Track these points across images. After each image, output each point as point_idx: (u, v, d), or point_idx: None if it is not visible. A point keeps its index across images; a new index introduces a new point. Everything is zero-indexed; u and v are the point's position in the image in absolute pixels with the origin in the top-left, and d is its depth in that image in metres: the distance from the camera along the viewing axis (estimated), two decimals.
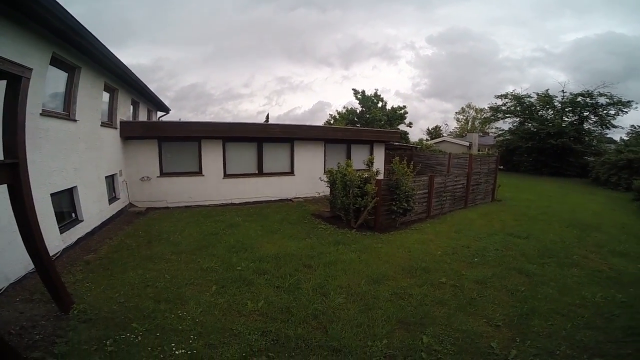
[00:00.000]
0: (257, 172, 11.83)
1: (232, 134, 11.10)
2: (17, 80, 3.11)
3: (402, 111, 34.00)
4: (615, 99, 23.75)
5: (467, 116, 57.57)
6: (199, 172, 11.07)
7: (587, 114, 25.27)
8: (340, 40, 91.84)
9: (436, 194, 9.86)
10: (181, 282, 4.77)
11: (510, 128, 28.72)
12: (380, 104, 34.15)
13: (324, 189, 10.04)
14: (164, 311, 3.94)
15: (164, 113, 18.27)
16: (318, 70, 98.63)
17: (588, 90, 24.45)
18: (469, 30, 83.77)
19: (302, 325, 3.75)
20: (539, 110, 27.00)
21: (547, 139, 23.96)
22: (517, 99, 27.57)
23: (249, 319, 3.85)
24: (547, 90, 26.56)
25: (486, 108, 33.71)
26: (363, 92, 34.04)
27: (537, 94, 26.83)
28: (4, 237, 4.17)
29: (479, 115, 53.57)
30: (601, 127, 25.33)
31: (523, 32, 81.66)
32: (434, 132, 53.53)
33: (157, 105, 16.45)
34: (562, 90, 25.67)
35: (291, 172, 12.40)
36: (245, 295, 4.43)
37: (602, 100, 24.15)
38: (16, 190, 3.19)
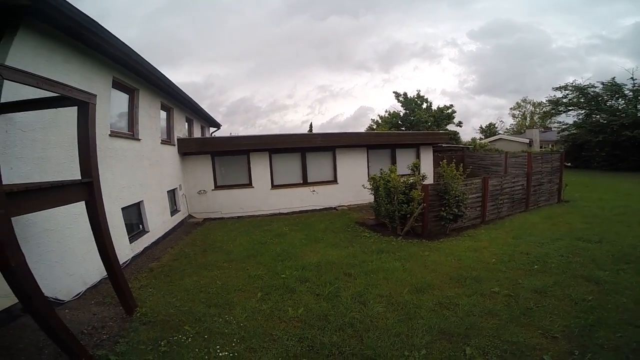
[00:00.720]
0: (302, 181, 12.12)
1: (276, 146, 11.55)
2: (85, 106, 3.55)
3: (450, 110, 32.56)
4: None
5: (524, 111, 53.31)
6: (249, 184, 11.70)
7: None
8: (377, 44, 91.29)
9: (491, 197, 9.20)
10: (230, 289, 5.02)
11: (575, 121, 25.91)
12: (424, 105, 33.11)
13: (368, 197, 9.96)
14: (213, 315, 4.20)
15: (215, 129, 19.58)
16: (357, 75, 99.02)
17: None
18: (513, 21, 78.02)
19: (337, 333, 3.74)
20: (607, 101, 24.07)
21: (621, 131, 21.16)
22: (579, 89, 24.98)
23: (289, 325, 3.95)
24: (613, 78, 23.69)
25: (544, 101, 30.85)
26: (405, 94, 33.34)
27: (603, 83, 24.05)
28: (84, 247, 4.78)
29: (537, 109, 49.23)
30: None
31: (573, 19, 73.85)
32: (488, 130, 50.18)
33: (209, 121, 17.71)
34: (632, 77, 22.61)
35: (334, 181, 12.49)
36: (287, 302, 4.54)
37: None
38: (91, 206, 3.66)
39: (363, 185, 9.45)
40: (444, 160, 8.08)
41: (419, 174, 8.01)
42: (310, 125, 49.23)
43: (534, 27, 74.48)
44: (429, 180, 12.45)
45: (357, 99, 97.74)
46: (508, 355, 3.26)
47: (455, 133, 31.69)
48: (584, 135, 23.95)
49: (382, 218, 8.61)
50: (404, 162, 12.44)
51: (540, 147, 29.81)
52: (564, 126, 27.80)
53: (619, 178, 18.21)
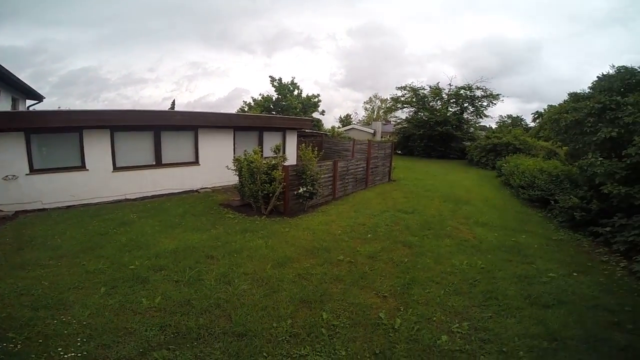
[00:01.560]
0: (154, 163, 10.94)
1: (122, 123, 9.94)
2: None
3: (316, 99, 35.03)
4: (488, 92, 28.73)
5: (374, 106, 62.39)
6: (81, 167, 9.60)
7: (466, 105, 29.95)
8: (266, 28, 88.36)
9: (340, 177, 10.70)
10: (62, 288, 4.39)
11: (406, 117, 32.17)
12: (296, 92, 34.55)
13: (234, 178, 9.89)
14: (45, 318, 3.64)
15: (35, 102, 15.27)
16: (237, 56, 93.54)
17: (469, 84, 28.98)
18: (383, 25, 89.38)
19: (204, 316, 3.80)
20: (430, 101, 30.88)
21: (435, 127, 27.68)
22: (414, 90, 30.92)
23: (145, 316, 3.78)
24: (437, 83, 30.51)
25: (388, 98, 37.01)
26: (280, 79, 33.82)
27: (430, 87, 30.66)
28: None
29: (383, 105, 58.57)
30: (477, 116, 30.37)
31: (431, 28, 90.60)
32: (345, 120, 56.59)
33: (26, 92, 13.69)
34: (450, 84, 29.85)
35: (196, 162, 11.83)
36: (140, 293, 4.29)
37: (478, 93, 28.99)
38: None
39: (227, 166, 9.37)
40: (303, 145, 8.86)
41: (281, 155, 8.52)
42: (173, 103, 44.05)
43: (397, 32, 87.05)
44: (292, 161, 13.38)
45: (233, 80, 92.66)
46: (355, 315, 4.03)
47: (319, 121, 34.46)
48: (411, 129, 30.11)
49: (247, 199, 8.80)
50: (271, 145, 12.79)
51: (381, 137, 35.82)
52: (398, 120, 34.15)
53: (430, 163, 23.98)
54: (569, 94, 10.35)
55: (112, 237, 6.51)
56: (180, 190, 11.26)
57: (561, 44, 71.30)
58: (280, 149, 8.57)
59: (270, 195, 8.31)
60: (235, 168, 9.07)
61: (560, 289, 4.89)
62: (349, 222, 7.86)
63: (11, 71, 10.00)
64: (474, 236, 7.25)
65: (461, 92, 29.13)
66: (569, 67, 71.24)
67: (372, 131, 36.81)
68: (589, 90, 9.50)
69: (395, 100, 32.71)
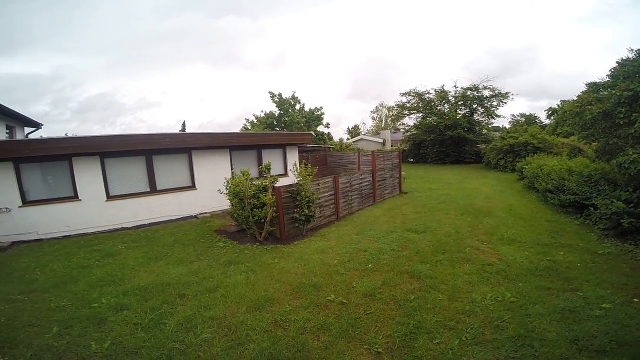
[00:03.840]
0: (149, 189, 10.36)
1: (110, 149, 9.48)
2: None
3: (319, 112, 34.59)
4: (496, 92, 27.45)
5: (381, 114, 61.57)
6: (74, 197, 9.27)
7: (475, 106, 28.73)
8: (270, 46, 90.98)
9: (342, 194, 9.75)
10: (17, 325, 4.18)
11: (415, 123, 31.13)
12: (297, 106, 34.23)
13: None
14: None
15: (33, 129, 15.20)
16: (245, 76, 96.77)
17: (475, 85, 27.84)
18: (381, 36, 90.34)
19: None
20: (437, 105, 29.83)
21: (445, 131, 26.52)
22: (419, 95, 30.04)
23: None
24: (442, 86, 29.55)
25: (393, 105, 36.13)
26: (280, 94, 33.67)
27: (435, 90, 29.63)
28: None
29: (390, 113, 57.67)
30: (487, 117, 29.02)
31: (429, 34, 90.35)
32: (354, 131, 55.93)
33: (22, 120, 13.60)
34: (455, 86, 28.84)
35: (192, 186, 11.18)
36: (91, 335, 3.89)
37: (486, 93, 27.77)
38: None
39: (219, 191, 8.63)
40: (303, 161, 8.04)
41: (271, 176, 7.69)
42: (183, 125, 44.73)
43: (397, 40, 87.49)
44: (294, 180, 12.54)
45: (243, 99, 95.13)
46: None
47: (322, 134, 33.91)
48: (421, 135, 29.00)
49: (242, 224, 8.04)
50: (272, 162, 12.17)
51: (392, 146, 34.80)
52: (407, 127, 33.13)
53: (445, 170, 22.70)
54: (587, 84, 9.11)
55: (91, 270, 6.14)
56: (178, 217, 10.65)
57: (559, 39, 69.47)
58: (269, 168, 7.72)
59: (262, 220, 7.45)
60: (227, 192, 8.32)
61: (619, 325, 3.72)
62: (349, 247, 6.82)
63: (27, 98, 9.86)
64: (499, 258, 6.03)
65: (468, 93, 28.02)
66: (570, 62, 68.91)
67: (381, 140, 35.89)
68: (607, 79, 8.30)
69: (401, 106, 31.86)
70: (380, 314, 4.26)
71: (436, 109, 29.51)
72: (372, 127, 60.46)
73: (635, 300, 4.32)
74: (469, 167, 23.89)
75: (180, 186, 10.97)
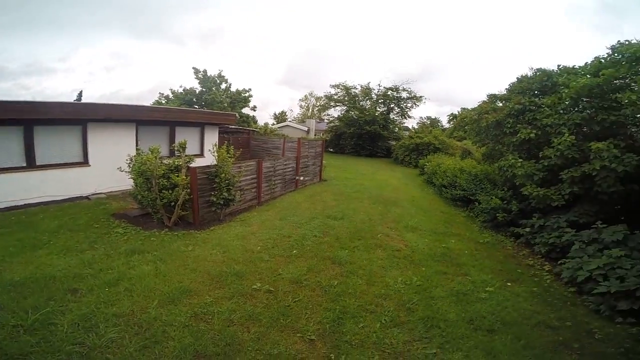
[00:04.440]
0: (25, 164, 8.40)
1: None
2: None
3: (247, 94, 33.07)
4: (412, 94, 30.15)
5: (309, 103, 62.00)
6: None
7: (392, 105, 31.12)
8: (204, 22, 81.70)
9: (266, 178, 9.53)
10: None
11: (339, 115, 32.26)
12: (224, 85, 32.14)
13: None
14: None
15: None
16: (168, 49, 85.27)
17: (396, 86, 30.08)
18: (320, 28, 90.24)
19: None
20: (361, 101, 31.41)
21: (364, 126, 28.19)
22: (347, 89, 31.11)
23: None
24: (368, 83, 31.18)
25: (322, 96, 36.71)
26: (205, 71, 31.21)
27: (361, 86, 31.12)
28: None
29: (318, 103, 58.52)
30: (401, 117, 31.82)
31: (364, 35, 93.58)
32: (280, 117, 55.13)
33: None
34: (379, 84, 30.73)
35: (84, 162, 9.48)
36: None
37: (404, 94, 30.25)
38: None
39: (119, 168, 7.50)
40: (225, 143, 7.49)
41: (186, 155, 7.01)
42: (80, 94, 37.59)
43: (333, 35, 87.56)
44: (213, 162, 11.75)
45: (160, 74, 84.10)
46: None
47: (249, 117, 32.64)
48: (342, 127, 30.23)
49: (147, 207, 7.12)
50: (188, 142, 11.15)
51: (315, 135, 35.46)
52: (331, 119, 34.13)
53: (360, 161, 24.17)
54: (487, 95, 10.59)
55: None
56: (65, 197, 8.87)
57: (466, 55, 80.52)
58: (184, 147, 7.01)
59: (173, 203, 6.77)
60: (130, 170, 7.28)
61: (501, 306, 4.51)
62: (273, 233, 6.73)
63: None
64: (405, 244, 6.73)
65: (389, 93, 30.15)
66: (472, 75, 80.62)
67: (306, 129, 36.18)
68: (506, 92, 9.80)
69: (329, 98, 32.56)
70: (309, 301, 4.31)
71: (359, 104, 30.99)
72: (299, 115, 60.48)
73: (508, 284, 5.29)
74: (380, 161, 25.87)
75: (68, 162, 9.18)
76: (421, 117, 47.37)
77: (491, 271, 5.75)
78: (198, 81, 31.10)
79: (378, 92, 30.56)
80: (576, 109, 7.11)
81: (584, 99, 6.84)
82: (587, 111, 6.81)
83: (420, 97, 30.25)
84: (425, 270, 5.51)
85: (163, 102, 31.58)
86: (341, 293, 4.55)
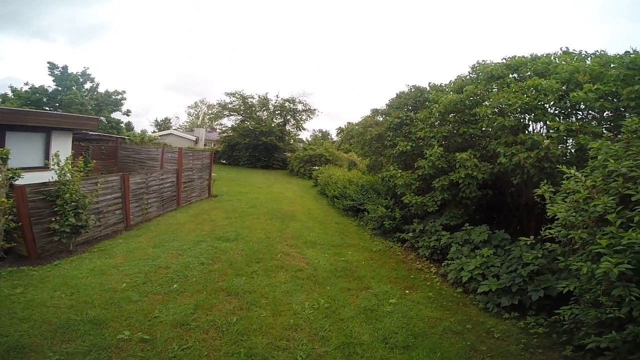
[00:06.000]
0: None
1: None
2: None
3: (119, 96, 28.42)
4: (307, 107, 31.02)
5: (199, 111, 57.61)
6: None
7: (289, 117, 31.46)
8: (79, 15, 66.34)
9: (135, 197, 7.85)
10: None
11: (232, 125, 30.77)
12: (88, 85, 26.83)
13: None
14: None
15: None
16: (28, 44, 66.32)
17: (292, 98, 30.46)
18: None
19: None
20: (257, 111, 30.71)
21: (260, 137, 27.55)
22: (243, 98, 29.96)
23: None
24: (266, 93, 30.73)
25: (215, 104, 34.59)
26: (65, 67, 25.49)
27: (259, 96, 30.43)
28: None
29: (209, 111, 54.86)
30: (297, 129, 32.41)
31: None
32: (163, 125, 49.45)
33: None
34: (277, 95, 30.62)
35: None
36: None
37: (299, 107, 30.85)
38: None
39: None
40: (82, 153, 5.71)
41: (7, 170, 5.07)
42: None
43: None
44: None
45: (11, 69, 64.79)
46: None
47: (120, 122, 28.13)
48: (237, 138, 28.88)
49: None
50: (25, 151, 8.62)
51: (205, 145, 32.90)
52: (224, 128, 32.29)
53: (255, 174, 23.35)
54: (371, 110, 11.34)
55: None
56: None
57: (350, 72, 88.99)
58: (5, 158, 5.04)
59: None
60: None
61: (407, 318, 4.47)
62: (143, 265, 5.35)
63: None
64: (307, 262, 6.32)
65: (285, 104, 30.40)
66: (360, 90, 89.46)
67: (194, 138, 33.22)
68: (386, 107, 10.66)
69: (223, 106, 30.77)
70: (202, 347, 3.41)
71: (256, 114, 30.23)
72: (186, 123, 55.37)
73: (407, 292, 5.39)
74: (276, 173, 25.59)
75: None
76: (314, 130, 49.60)
77: (389, 280, 5.82)
78: (53, 78, 25.27)
79: (275, 102, 30.50)
80: (443, 123, 8.10)
81: (450, 114, 7.85)
82: (451, 125, 7.83)
83: (314, 109, 31.48)
84: (330, 290, 5.19)
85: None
86: (243, 331, 3.79)
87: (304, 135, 37.44)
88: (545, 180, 4.20)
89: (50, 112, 14.01)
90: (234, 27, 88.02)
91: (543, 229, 3.72)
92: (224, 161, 29.10)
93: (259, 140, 27.59)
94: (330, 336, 3.90)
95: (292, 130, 32.36)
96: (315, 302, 4.69)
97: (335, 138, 41.66)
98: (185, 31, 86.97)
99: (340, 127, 12.79)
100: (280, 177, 22.88)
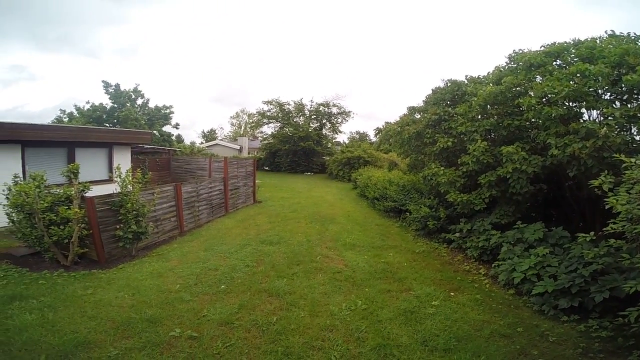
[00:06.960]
0: None
1: None
2: None
3: (168, 111, 30.78)
4: (342, 109, 31.17)
5: (240, 121, 60.39)
6: None
7: (324, 121, 31.81)
8: (122, 34, 74.55)
9: (188, 204, 8.45)
10: None
11: (272, 132, 31.82)
12: (140, 101, 29.41)
13: None
14: None
15: None
16: (80, 62, 75.93)
17: (327, 102, 30.82)
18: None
19: None
20: (294, 117, 31.48)
21: (299, 142, 28.18)
22: (280, 105, 30.94)
23: None
24: (301, 99, 31.43)
25: (254, 113, 36.02)
26: (117, 85, 28.21)
27: (295, 102, 31.24)
28: None
29: (250, 120, 57.29)
30: (333, 132, 32.64)
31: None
32: (209, 136, 52.53)
33: None
34: (311, 100, 31.20)
35: None
36: None
37: (334, 110, 31.12)
38: None
39: None
40: (139, 166, 6.36)
41: (79, 183, 5.76)
42: None
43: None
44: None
45: (70, 89, 74.57)
46: None
47: (172, 135, 30.36)
48: (277, 144, 29.79)
49: (34, 246, 5.76)
50: (88, 165, 9.52)
51: (248, 153, 34.35)
52: (265, 136, 33.47)
53: (296, 178, 23.85)
54: (407, 108, 11.06)
55: None
56: None
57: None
58: (76, 172, 5.75)
59: (66, 241, 5.48)
60: (8, 204, 5.77)
61: (450, 320, 4.29)
62: (196, 268, 5.78)
63: None
64: (345, 264, 6.33)
65: (320, 108, 30.79)
66: (395, 89, 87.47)
67: (238, 147, 34.83)
68: (423, 104, 10.33)
69: (262, 114, 31.94)
70: (244, 345, 3.60)
71: (293, 120, 31.00)
72: (230, 133, 58.33)
73: (452, 294, 5.17)
74: (315, 177, 25.91)
75: None
76: (351, 132, 49.43)
77: (432, 282, 5.63)
78: (109, 96, 28.02)
79: (310, 107, 31.02)
80: (485, 116, 7.67)
81: (491, 106, 7.42)
82: (494, 117, 7.39)
83: (349, 112, 31.47)
84: (368, 291, 5.13)
85: (65, 120, 27.60)
86: (282, 330, 3.91)
87: (341, 138, 37.49)
88: (606, 172, 3.83)
89: (110, 128, 15.58)
90: (262, 33, 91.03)
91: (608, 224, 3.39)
92: (267, 168, 30.08)
93: (297, 146, 28.21)
94: (367, 337, 3.88)
95: (329, 133, 32.60)
96: (353, 303, 4.69)
97: (373, 139, 41.28)
98: (219, 42, 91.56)
99: (378, 128, 12.79)
100: (319, 181, 23.11)
